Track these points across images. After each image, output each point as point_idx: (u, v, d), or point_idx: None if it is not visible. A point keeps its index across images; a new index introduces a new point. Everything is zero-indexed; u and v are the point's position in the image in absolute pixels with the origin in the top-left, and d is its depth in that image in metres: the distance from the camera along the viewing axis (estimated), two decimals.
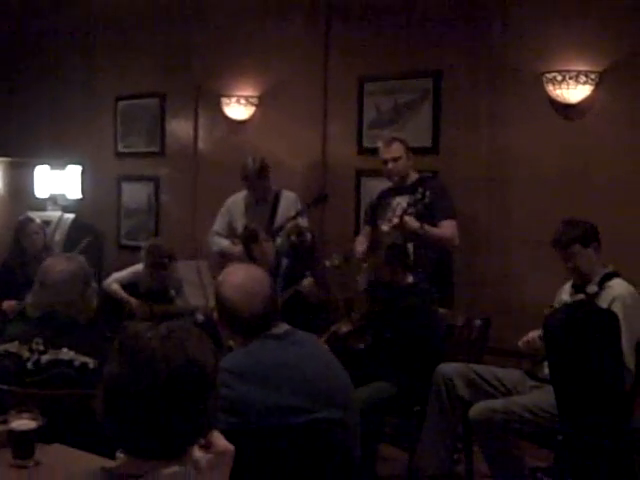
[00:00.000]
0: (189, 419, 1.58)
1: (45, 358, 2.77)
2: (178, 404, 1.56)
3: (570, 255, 3.82)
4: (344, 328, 4.35)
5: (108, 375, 1.60)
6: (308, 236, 5.31)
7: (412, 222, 4.58)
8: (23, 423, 2.35)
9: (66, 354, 2.77)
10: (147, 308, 5.31)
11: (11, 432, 2.35)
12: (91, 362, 2.76)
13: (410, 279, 4.29)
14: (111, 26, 7.46)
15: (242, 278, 2.61)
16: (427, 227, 4.63)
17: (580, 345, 3.26)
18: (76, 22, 7.66)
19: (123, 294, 5.41)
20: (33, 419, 2.36)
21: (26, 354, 2.79)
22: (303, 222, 5.31)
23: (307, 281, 4.85)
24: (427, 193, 4.55)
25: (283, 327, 2.63)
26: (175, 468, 1.56)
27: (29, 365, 2.77)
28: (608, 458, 3.28)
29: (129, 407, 1.56)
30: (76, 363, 2.76)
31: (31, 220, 5.68)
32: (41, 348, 2.78)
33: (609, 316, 3.37)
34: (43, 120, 7.86)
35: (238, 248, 5.41)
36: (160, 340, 1.59)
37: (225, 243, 5.57)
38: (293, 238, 5.20)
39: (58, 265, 2.98)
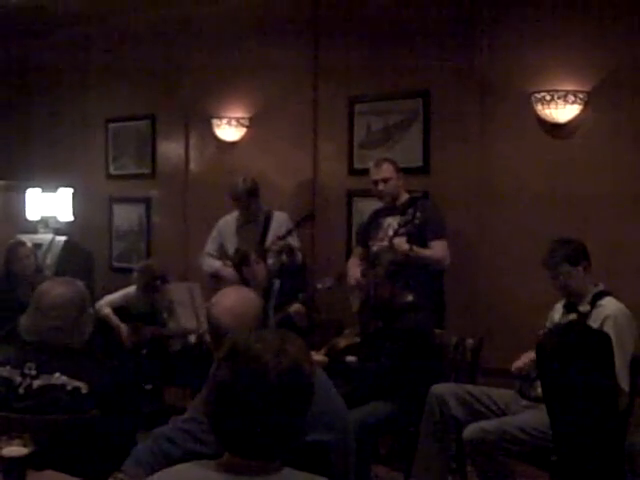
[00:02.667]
0: (293, 422, 1.69)
1: (37, 383, 2.75)
2: (286, 408, 1.66)
3: (559, 274, 3.83)
4: (342, 342, 4.36)
5: (220, 382, 1.67)
6: (299, 255, 5.32)
7: (402, 244, 4.58)
8: (14, 449, 2.33)
9: (58, 379, 2.75)
10: (136, 337, 5.29)
11: (2, 458, 2.33)
12: (83, 387, 2.74)
13: (409, 297, 4.29)
14: (102, 48, 7.47)
15: (232, 300, 2.62)
16: (417, 249, 4.63)
17: (573, 367, 3.26)
18: (68, 44, 7.67)
19: (114, 320, 5.37)
20: (24, 445, 2.34)
21: (18, 379, 2.77)
22: (294, 242, 5.32)
23: (296, 307, 4.85)
24: (418, 214, 4.56)
25: None
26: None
27: (21, 390, 2.75)
28: (602, 478, 3.27)
29: (240, 410, 1.64)
30: (68, 388, 2.74)
31: (21, 244, 5.66)
32: (33, 373, 2.77)
33: (601, 337, 3.37)
34: (34, 143, 7.86)
35: (230, 270, 5.41)
36: (270, 350, 1.68)
37: (217, 265, 5.57)
38: (283, 258, 5.20)
39: (54, 290, 2.94)
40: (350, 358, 4.37)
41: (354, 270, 4.89)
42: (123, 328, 5.33)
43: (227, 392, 1.66)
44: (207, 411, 1.71)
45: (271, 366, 1.65)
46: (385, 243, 4.62)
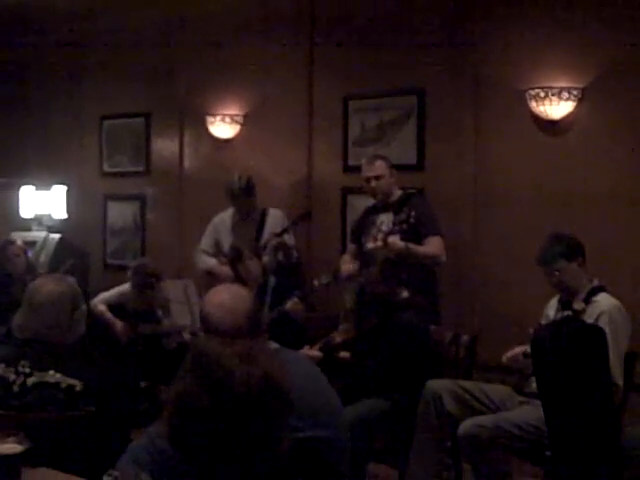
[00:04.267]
0: (264, 438, 1.49)
1: (31, 380, 2.75)
2: (255, 423, 1.48)
3: (554, 270, 3.83)
4: (338, 338, 4.36)
5: (180, 394, 1.51)
6: (294, 253, 5.31)
7: (397, 243, 4.57)
8: (9, 447, 2.33)
9: (52, 377, 2.75)
10: (131, 332, 5.29)
11: None
12: (78, 384, 2.73)
13: (405, 294, 4.29)
14: (96, 46, 7.46)
15: (222, 296, 2.63)
16: (412, 246, 4.62)
17: (567, 362, 3.27)
18: (61, 42, 7.66)
19: (109, 316, 5.37)
20: (19, 442, 2.34)
21: (12, 377, 2.76)
22: (289, 239, 5.31)
23: (291, 302, 4.86)
24: (412, 213, 4.55)
25: (271, 346, 2.63)
26: None
27: (15, 388, 2.75)
28: (598, 474, 3.28)
29: (203, 428, 1.47)
30: (62, 385, 2.74)
31: (11, 242, 5.65)
32: (27, 371, 2.76)
33: (596, 332, 3.38)
34: (28, 140, 7.85)
35: (225, 268, 5.41)
36: (238, 357, 1.51)
37: (212, 262, 5.57)
38: (279, 256, 5.20)
39: (46, 287, 2.94)
40: (344, 354, 4.38)
41: (346, 265, 4.89)
42: (118, 324, 5.33)
43: (189, 404, 1.49)
44: (167, 423, 1.53)
45: (238, 375, 1.48)
46: (379, 243, 4.62)
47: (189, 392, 1.49)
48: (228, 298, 2.60)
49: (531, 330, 3.65)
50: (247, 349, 1.54)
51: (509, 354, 3.88)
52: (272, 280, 5.26)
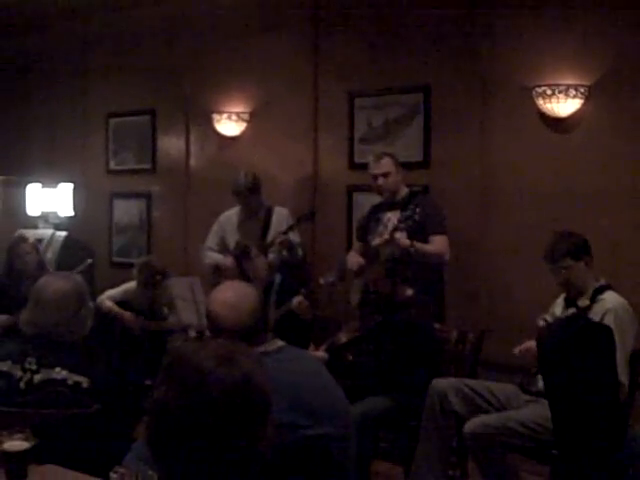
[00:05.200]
0: (248, 445, 1.42)
1: (38, 377, 2.76)
2: (235, 430, 1.40)
3: (561, 269, 3.82)
4: (343, 338, 4.36)
5: (156, 400, 1.45)
6: (299, 251, 5.31)
7: (403, 239, 4.57)
8: (16, 444, 2.33)
9: (59, 373, 2.75)
10: (142, 321, 5.29)
11: (3, 453, 2.33)
12: (84, 381, 2.74)
13: (410, 292, 4.28)
14: (102, 44, 7.47)
15: (227, 293, 2.65)
16: (417, 244, 4.62)
17: (574, 359, 3.26)
18: (68, 41, 7.67)
19: (116, 309, 5.39)
20: (25, 439, 2.35)
21: (19, 373, 2.78)
22: (294, 237, 5.31)
23: (297, 300, 4.86)
24: (418, 210, 4.55)
25: (277, 343, 2.64)
26: None
27: (21, 384, 2.76)
28: (604, 472, 3.27)
29: (180, 436, 1.40)
30: (69, 382, 2.75)
31: (24, 240, 5.65)
32: (34, 367, 2.77)
33: (602, 330, 3.37)
34: (35, 138, 7.86)
35: (230, 260, 5.41)
36: (215, 360, 1.44)
37: (218, 256, 5.57)
38: (284, 253, 5.20)
39: (53, 284, 2.96)
40: (349, 356, 4.37)
41: (353, 258, 4.89)
42: (127, 315, 5.33)
43: (164, 413, 1.41)
44: (146, 436, 1.45)
45: (214, 378, 1.41)
46: (386, 236, 4.61)
47: (165, 396, 1.43)
48: (232, 296, 2.61)
49: (540, 322, 3.64)
50: (226, 350, 1.47)
51: (522, 347, 3.85)
52: (277, 278, 5.26)
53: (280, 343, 2.64)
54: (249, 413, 1.43)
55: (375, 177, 4.94)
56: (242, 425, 1.42)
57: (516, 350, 3.88)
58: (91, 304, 3.07)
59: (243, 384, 1.42)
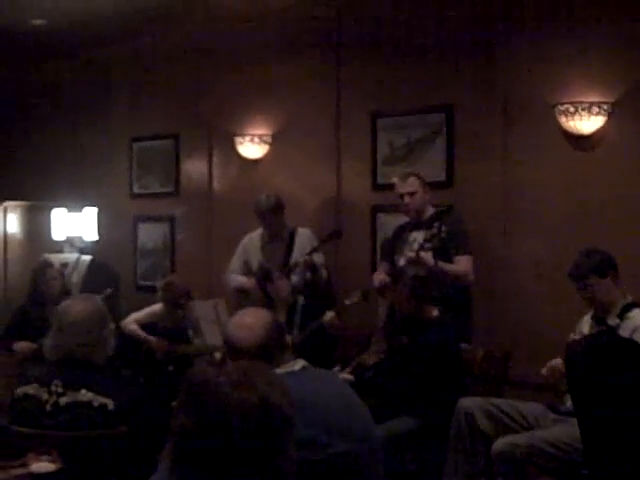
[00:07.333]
0: (270, 465, 1.43)
1: (64, 400, 2.77)
2: (257, 451, 1.41)
3: (587, 286, 3.79)
4: (370, 360, 4.34)
5: (176, 425, 1.46)
6: (323, 273, 5.30)
7: (428, 258, 4.56)
8: (42, 465, 2.35)
9: (84, 395, 2.77)
10: (166, 345, 5.29)
11: (31, 475, 2.34)
12: (110, 403, 2.75)
13: (435, 312, 4.27)
14: (126, 68, 7.55)
15: (245, 317, 2.68)
16: (441, 264, 4.61)
17: (603, 375, 3.22)
18: (92, 64, 7.76)
19: (141, 333, 5.38)
20: (52, 461, 2.36)
21: (45, 396, 2.79)
22: (318, 259, 5.30)
23: (330, 315, 4.84)
24: (443, 228, 4.53)
25: (300, 363, 2.63)
26: None
27: (48, 407, 2.77)
28: None
29: (201, 460, 1.41)
30: (95, 404, 2.76)
31: (50, 265, 5.67)
32: (60, 390, 2.78)
33: (632, 346, 3.33)
34: (59, 163, 7.93)
35: (253, 282, 5.42)
36: (232, 385, 1.44)
37: (242, 279, 5.58)
38: (308, 275, 5.20)
39: (75, 307, 2.99)
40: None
41: (379, 275, 4.89)
42: (152, 339, 5.32)
43: (185, 438, 1.42)
44: (169, 464, 1.47)
45: (231, 403, 1.42)
46: (412, 254, 4.59)
47: (185, 422, 1.44)
48: (247, 318, 2.65)
49: (571, 336, 3.60)
50: (241, 374, 1.48)
51: (549, 364, 3.81)
52: (301, 300, 5.25)
53: (303, 363, 2.64)
54: (269, 433, 1.44)
55: (402, 196, 4.94)
56: (264, 446, 1.43)
57: (543, 370, 3.84)
58: (112, 325, 3.09)
59: (261, 406, 1.43)
